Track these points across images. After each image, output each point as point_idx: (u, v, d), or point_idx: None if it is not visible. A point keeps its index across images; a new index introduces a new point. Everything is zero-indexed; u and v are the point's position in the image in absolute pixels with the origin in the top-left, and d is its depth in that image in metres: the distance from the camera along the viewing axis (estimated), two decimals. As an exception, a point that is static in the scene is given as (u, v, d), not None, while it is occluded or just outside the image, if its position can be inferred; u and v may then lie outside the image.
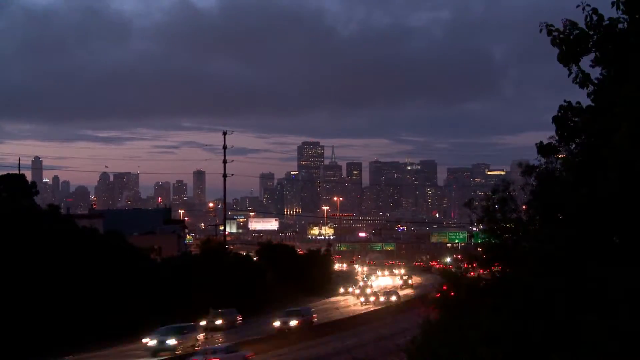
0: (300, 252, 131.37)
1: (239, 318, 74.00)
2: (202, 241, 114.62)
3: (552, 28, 12.69)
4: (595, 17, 12.32)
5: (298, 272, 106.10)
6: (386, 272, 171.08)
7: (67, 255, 61.66)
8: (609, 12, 12.34)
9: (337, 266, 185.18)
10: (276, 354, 52.25)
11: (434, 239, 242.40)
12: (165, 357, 50.99)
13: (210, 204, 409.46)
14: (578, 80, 12.65)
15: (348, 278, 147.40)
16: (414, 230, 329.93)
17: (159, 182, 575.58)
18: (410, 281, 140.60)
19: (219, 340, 58.55)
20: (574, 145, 14.23)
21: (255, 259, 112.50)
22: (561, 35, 12.59)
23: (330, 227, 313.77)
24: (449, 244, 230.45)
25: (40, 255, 59.15)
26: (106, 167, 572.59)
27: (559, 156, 15.44)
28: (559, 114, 13.38)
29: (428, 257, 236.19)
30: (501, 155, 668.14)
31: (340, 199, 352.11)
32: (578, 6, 12.39)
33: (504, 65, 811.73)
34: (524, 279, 15.31)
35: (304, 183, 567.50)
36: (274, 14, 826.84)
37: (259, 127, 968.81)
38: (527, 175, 17.45)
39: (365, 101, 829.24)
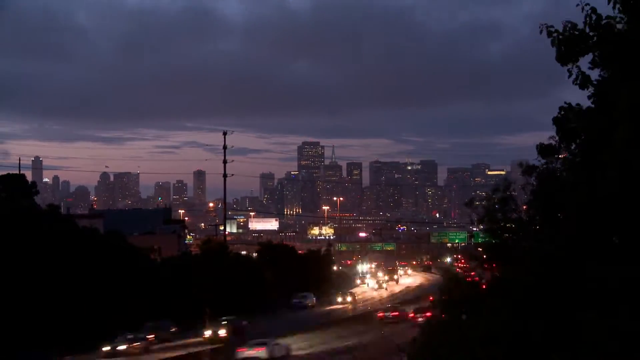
0: (300, 252, 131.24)
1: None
2: (202, 241, 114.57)
3: (552, 29, 12.71)
4: (594, 17, 12.33)
5: (298, 272, 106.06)
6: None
7: (67, 255, 61.66)
8: (608, 10, 12.35)
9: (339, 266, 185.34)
10: None
11: (434, 239, 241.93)
12: None
13: (211, 204, 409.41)
14: (578, 81, 12.67)
15: (347, 280, 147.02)
16: (414, 230, 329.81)
17: (159, 182, 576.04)
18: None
19: None
20: (574, 146, 14.25)
21: (255, 259, 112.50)
22: (560, 36, 12.61)
23: (330, 227, 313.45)
24: (449, 244, 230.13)
25: (40, 256, 59.15)
26: (106, 167, 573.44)
27: (559, 156, 15.46)
28: (559, 115, 13.40)
29: (428, 257, 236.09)
30: (501, 155, 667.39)
31: (341, 199, 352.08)
32: (577, 5, 12.40)
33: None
34: (524, 279, 15.33)
35: (304, 183, 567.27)
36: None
37: (261, 127, 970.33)
38: (527, 175, 17.47)
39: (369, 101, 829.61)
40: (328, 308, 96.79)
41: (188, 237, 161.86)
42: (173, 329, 65.86)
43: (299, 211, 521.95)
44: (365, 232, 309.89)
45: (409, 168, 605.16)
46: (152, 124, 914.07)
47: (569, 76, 12.67)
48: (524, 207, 19.15)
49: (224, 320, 66.25)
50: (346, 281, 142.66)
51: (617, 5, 12.13)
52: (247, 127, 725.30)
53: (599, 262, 12.47)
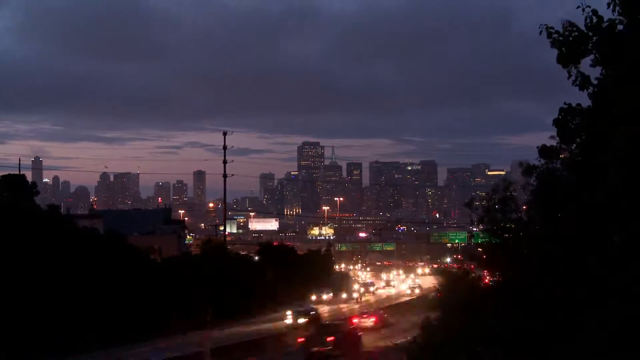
0: (301, 253, 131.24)
1: None
2: (202, 241, 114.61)
3: (551, 30, 12.73)
4: (595, 19, 12.35)
5: (298, 273, 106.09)
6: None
7: (67, 255, 61.66)
8: (609, 13, 12.38)
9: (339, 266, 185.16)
10: None
11: (434, 239, 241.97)
12: None
13: (211, 204, 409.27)
14: (578, 82, 12.69)
15: (349, 281, 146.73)
16: (414, 230, 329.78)
17: (159, 183, 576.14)
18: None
19: None
20: (574, 146, 14.27)
21: (255, 259, 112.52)
22: (560, 38, 12.63)
23: (330, 228, 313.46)
24: (449, 244, 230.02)
25: (40, 256, 59.15)
26: (106, 167, 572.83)
27: (560, 157, 15.48)
28: (560, 116, 13.43)
29: (428, 257, 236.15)
30: (505, 155, 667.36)
31: (341, 199, 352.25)
32: (578, 7, 12.42)
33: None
34: (525, 279, 15.36)
35: (304, 183, 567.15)
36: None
37: (263, 128, 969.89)
38: (527, 175, 17.48)
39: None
40: None
41: (188, 237, 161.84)
42: None
43: (298, 211, 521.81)
44: (365, 232, 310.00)
45: (409, 168, 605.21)
46: (154, 124, 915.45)
47: (569, 77, 12.70)
48: (524, 207, 19.17)
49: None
50: (348, 282, 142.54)
51: (617, 8, 12.16)
52: (251, 128, 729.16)
53: (599, 263, 12.50)
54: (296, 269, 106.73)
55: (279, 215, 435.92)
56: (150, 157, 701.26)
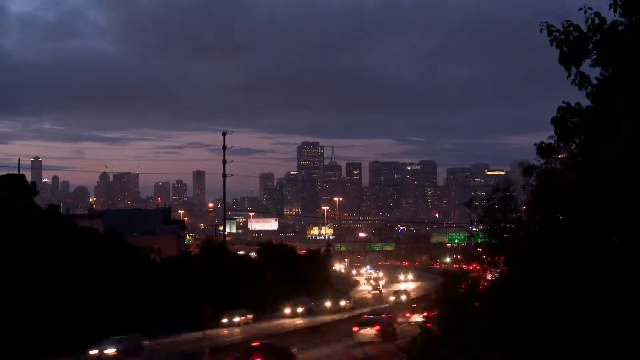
0: (300, 253, 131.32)
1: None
2: (202, 241, 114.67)
3: (552, 28, 12.68)
4: (597, 20, 12.32)
5: (298, 273, 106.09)
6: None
7: (67, 255, 61.66)
8: (611, 15, 12.36)
9: (339, 267, 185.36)
10: None
11: (433, 239, 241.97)
12: None
13: (210, 204, 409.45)
14: (577, 81, 12.67)
15: (348, 282, 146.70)
16: (413, 230, 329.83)
17: (158, 183, 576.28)
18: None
19: None
20: (573, 146, 14.25)
21: (255, 259, 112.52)
22: (562, 36, 12.59)
23: (330, 228, 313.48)
24: (448, 244, 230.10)
25: (39, 256, 59.15)
26: (106, 167, 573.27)
27: (559, 156, 15.46)
28: (558, 115, 13.40)
29: (428, 257, 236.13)
30: (502, 155, 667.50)
31: (340, 199, 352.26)
32: (580, 9, 12.39)
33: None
34: (524, 279, 15.35)
35: (304, 183, 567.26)
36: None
37: (265, 128, 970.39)
38: (527, 175, 17.45)
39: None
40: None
41: (187, 237, 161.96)
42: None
43: (298, 211, 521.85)
44: (365, 232, 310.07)
45: (409, 168, 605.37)
46: (156, 124, 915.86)
47: (568, 76, 12.68)
48: (524, 207, 19.15)
49: None
50: (347, 283, 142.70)
51: (618, 9, 12.15)
52: (253, 128, 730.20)
53: (598, 263, 12.48)
54: (295, 269, 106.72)
55: (278, 215, 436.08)
56: (153, 157, 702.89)
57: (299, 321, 78.38)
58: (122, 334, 57.91)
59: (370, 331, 55.25)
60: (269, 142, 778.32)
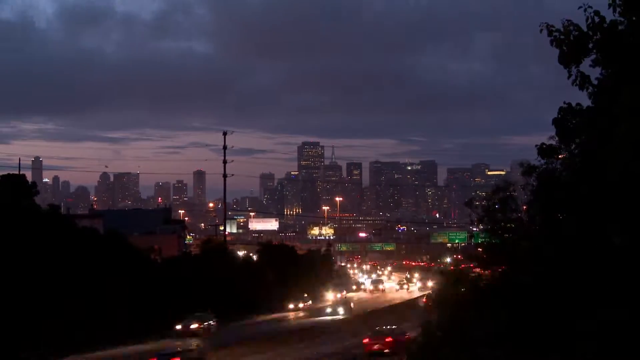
0: (301, 253, 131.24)
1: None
2: (202, 241, 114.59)
3: (552, 28, 12.69)
4: (597, 19, 12.32)
5: (298, 272, 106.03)
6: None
7: (67, 255, 61.64)
8: (609, 14, 12.36)
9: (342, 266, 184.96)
10: None
11: (434, 239, 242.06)
12: None
13: (211, 204, 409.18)
14: (577, 82, 12.67)
15: (348, 281, 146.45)
16: (414, 230, 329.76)
17: (159, 183, 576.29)
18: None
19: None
20: (574, 146, 14.25)
21: (255, 259, 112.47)
22: (562, 36, 12.59)
23: (330, 227, 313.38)
24: (449, 244, 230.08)
25: (40, 256, 59.13)
26: (106, 167, 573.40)
27: (560, 156, 15.47)
28: (559, 115, 13.41)
29: (428, 257, 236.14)
30: (503, 155, 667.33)
31: (341, 199, 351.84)
32: (580, 7, 12.39)
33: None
34: (524, 279, 15.35)
35: (304, 183, 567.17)
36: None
37: (266, 128, 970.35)
38: (527, 175, 17.47)
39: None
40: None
41: (188, 237, 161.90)
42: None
43: (299, 211, 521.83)
44: (365, 232, 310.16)
45: (409, 168, 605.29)
46: (159, 124, 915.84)
47: (569, 77, 12.68)
48: (524, 207, 19.16)
49: None
50: (347, 282, 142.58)
51: (618, 9, 12.15)
52: (255, 128, 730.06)
53: (598, 263, 12.49)
54: (296, 269, 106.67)
55: (279, 215, 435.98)
56: (155, 157, 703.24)
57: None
58: (122, 333, 57.98)
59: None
60: (270, 142, 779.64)
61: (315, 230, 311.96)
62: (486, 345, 16.74)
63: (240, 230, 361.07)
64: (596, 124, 12.82)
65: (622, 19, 12.21)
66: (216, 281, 79.51)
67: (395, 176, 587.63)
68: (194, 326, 65.05)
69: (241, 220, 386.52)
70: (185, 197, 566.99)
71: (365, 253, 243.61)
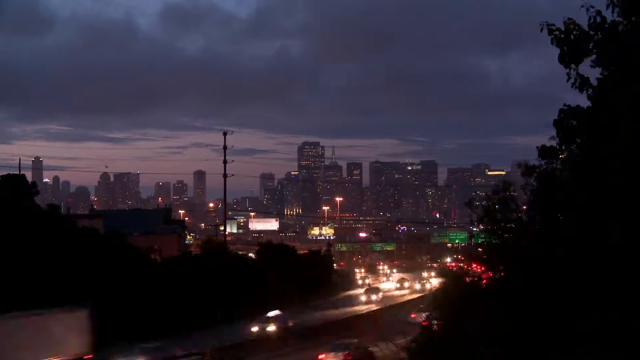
0: (301, 253, 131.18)
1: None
2: (202, 241, 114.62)
3: (552, 27, 12.68)
4: (599, 19, 12.33)
5: (298, 272, 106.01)
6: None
7: (67, 255, 61.65)
8: (608, 15, 12.37)
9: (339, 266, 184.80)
10: None
11: (434, 239, 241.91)
12: None
13: (211, 204, 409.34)
14: (577, 84, 12.67)
15: (348, 281, 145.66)
16: (414, 230, 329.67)
17: (159, 183, 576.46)
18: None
19: None
20: (574, 146, 14.27)
21: (256, 259, 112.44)
22: (562, 35, 12.59)
23: (330, 228, 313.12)
24: (449, 244, 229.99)
25: (40, 256, 59.14)
26: (106, 167, 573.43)
27: (560, 156, 15.48)
28: (559, 117, 13.43)
29: (428, 257, 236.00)
30: (503, 155, 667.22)
31: (341, 199, 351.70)
32: (582, 7, 12.38)
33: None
34: (524, 280, 15.37)
35: (304, 183, 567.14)
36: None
37: (267, 128, 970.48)
38: (527, 175, 17.48)
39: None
40: None
41: (188, 237, 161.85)
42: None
43: (299, 211, 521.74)
44: (366, 233, 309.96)
45: (409, 168, 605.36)
46: (160, 124, 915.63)
47: (568, 79, 12.69)
48: (524, 207, 19.17)
49: None
50: (347, 282, 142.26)
51: (616, 9, 12.16)
52: (256, 128, 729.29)
53: (599, 263, 12.50)
54: (296, 269, 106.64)
55: (279, 215, 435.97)
56: (157, 157, 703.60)
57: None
58: (122, 333, 57.96)
59: None
60: (272, 142, 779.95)
61: (316, 231, 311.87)
62: (486, 344, 16.75)
63: (241, 231, 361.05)
64: (597, 123, 12.82)
65: (621, 20, 12.23)
66: (217, 281, 79.54)
67: (396, 176, 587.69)
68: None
69: (241, 220, 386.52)
70: (186, 197, 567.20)
71: (366, 253, 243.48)
